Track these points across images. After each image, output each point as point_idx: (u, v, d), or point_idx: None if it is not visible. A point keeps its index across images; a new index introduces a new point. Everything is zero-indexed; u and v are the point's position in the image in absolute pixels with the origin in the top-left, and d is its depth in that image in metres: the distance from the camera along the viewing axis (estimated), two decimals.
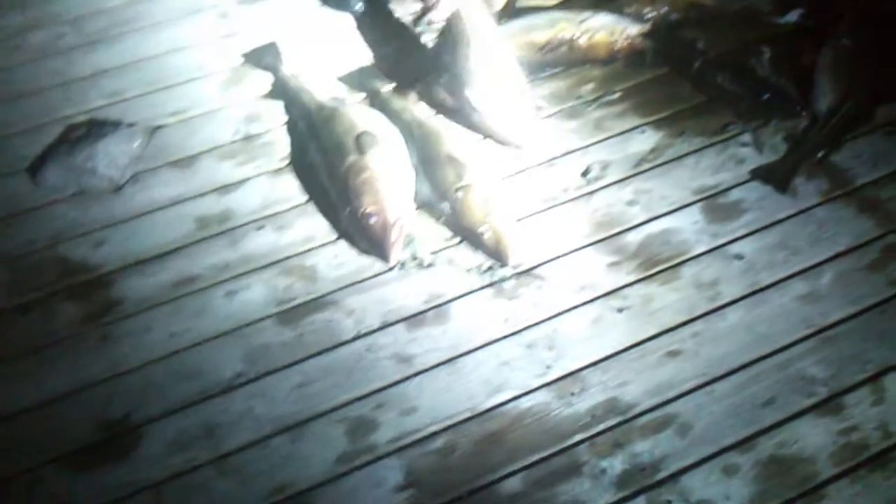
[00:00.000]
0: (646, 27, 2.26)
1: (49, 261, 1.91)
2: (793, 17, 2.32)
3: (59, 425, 1.66)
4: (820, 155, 2.00)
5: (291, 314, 1.79)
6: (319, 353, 1.73)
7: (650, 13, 2.28)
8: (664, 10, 2.28)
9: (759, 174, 1.99)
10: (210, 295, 1.84)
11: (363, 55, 2.32)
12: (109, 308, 1.82)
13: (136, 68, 2.35)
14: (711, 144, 2.06)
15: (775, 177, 1.97)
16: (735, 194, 1.96)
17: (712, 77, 2.17)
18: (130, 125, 2.15)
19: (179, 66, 2.35)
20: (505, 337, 1.75)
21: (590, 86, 2.22)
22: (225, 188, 2.04)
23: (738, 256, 1.85)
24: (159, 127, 2.18)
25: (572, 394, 1.66)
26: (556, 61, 2.25)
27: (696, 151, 2.05)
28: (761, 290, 1.79)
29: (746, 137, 2.07)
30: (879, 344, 1.70)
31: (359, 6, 2.42)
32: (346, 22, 2.42)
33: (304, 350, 1.74)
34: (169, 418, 1.65)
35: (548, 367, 1.70)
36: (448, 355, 1.72)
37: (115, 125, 2.14)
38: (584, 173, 2.01)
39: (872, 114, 2.09)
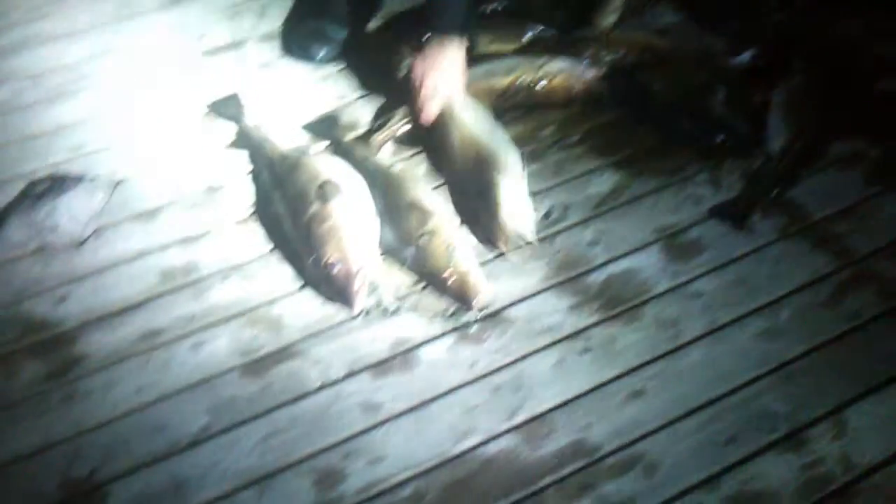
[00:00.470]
0: (602, 71, 2.29)
1: (11, 319, 1.90)
2: (745, 57, 2.36)
3: (21, 485, 1.63)
4: (775, 192, 2.04)
5: (257, 365, 1.79)
6: (286, 404, 1.73)
7: (606, 57, 2.32)
8: (620, 53, 2.32)
9: (716, 212, 2.02)
10: (175, 348, 1.84)
11: (326, 104, 2.34)
12: (73, 365, 1.81)
13: (97, 122, 2.35)
14: (669, 184, 2.10)
15: (733, 215, 2.01)
16: (694, 233, 2.00)
17: (668, 118, 2.21)
18: (92, 179, 2.15)
19: (141, 118, 2.35)
20: (471, 381, 1.75)
21: (549, 129, 2.25)
22: (189, 240, 2.04)
23: (698, 294, 1.88)
24: (122, 180, 2.18)
25: (538, 437, 1.66)
26: (517, 106, 2.28)
27: (654, 192, 2.09)
28: (721, 327, 1.82)
29: (703, 177, 2.11)
30: (838, 378, 1.73)
31: (321, 56, 2.44)
32: (309, 72, 2.45)
33: (271, 401, 1.73)
34: (134, 475, 1.63)
35: (514, 410, 1.70)
36: (415, 402, 1.73)
37: (77, 179, 2.13)
38: (546, 215, 2.03)
39: (825, 150, 2.13)
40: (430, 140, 2.17)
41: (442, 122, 2.14)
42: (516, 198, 1.99)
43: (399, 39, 2.37)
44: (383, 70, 2.34)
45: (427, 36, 2.14)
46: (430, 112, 2.14)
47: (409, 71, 2.18)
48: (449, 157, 2.11)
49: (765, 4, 2.53)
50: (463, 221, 2.02)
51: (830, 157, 2.14)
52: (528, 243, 1.95)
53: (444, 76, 2.14)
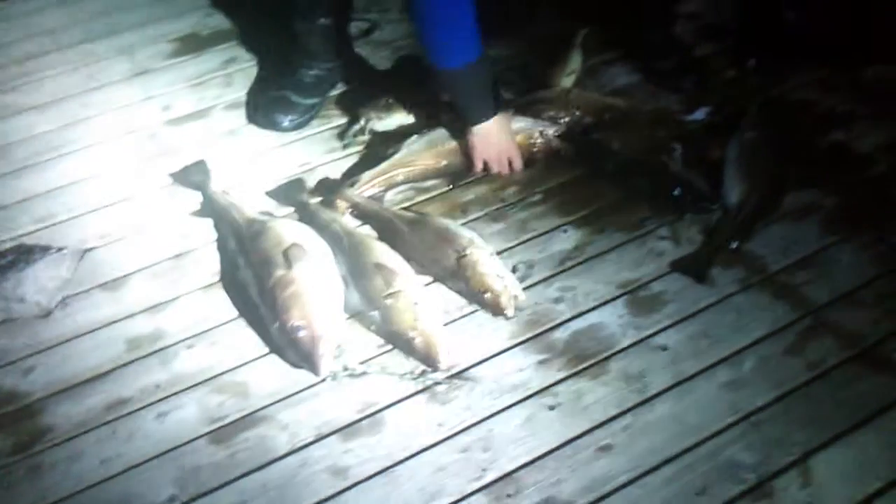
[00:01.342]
0: (562, 131, 2.35)
1: None
2: (700, 114, 2.43)
3: None
4: (734, 245, 2.07)
5: (224, 432, 1.78)
6: (253, 471, 1.71)
7: (566, 117, 2.37)
8: (578, 113, 2.37)
9: (678, 266, 2.05)
10: (142, 417, 1.82)
11: (291, 170, 2.37)
12: (39, 437, 1.79)
13: (65, 192, 2.37)
14: (631, 240, 2.13)
15: (693, 268, 2.04)
16: (657, 287, 2.03)
17: (627, 175, 2.25)
18: (59, 249, 2.15)
19: (109, 188, 2.37)
20: (440, 442, 1.75)
21: (512, 189, 2.29)
22: (155, 308, 2.04)
23: (663, 347, 1.90)
24: (89, 249, 2.19)
25: (508, 496, 1.66)
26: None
27: (617, 247, 2.12)
28: (687, 379, 1.83)
29: (664, 231, 2.14)
30: (803, 426, 1.74)
31: (286, 124, 2.47)
32: (273, 139, 2.48)
33: (238, 469, 1.72)
34: None
35: (483, 470, 1.70)
36: (383, 465, 1.72)
37: (44, 250, 2.14)
38: (512, 272, 2.05)
39: (780, 202, 2.18)
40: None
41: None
42: (495, 262, 2.02)
43: None
44: None
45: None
46: (516, 170, 2.29)
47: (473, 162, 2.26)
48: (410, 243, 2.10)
49: (717, 63, 2.61)
50: (434, 279, 2.04)
51: (787, 208, 2.18)
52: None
53: (503, 154, 2.25)
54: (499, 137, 2.22)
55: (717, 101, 2.48)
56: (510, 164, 2.27)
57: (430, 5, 1.98)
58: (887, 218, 2.16)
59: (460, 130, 2.26)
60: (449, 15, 1.99)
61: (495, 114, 2.18)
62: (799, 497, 1.64)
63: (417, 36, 2.11)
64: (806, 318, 1.94)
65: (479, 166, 2.27)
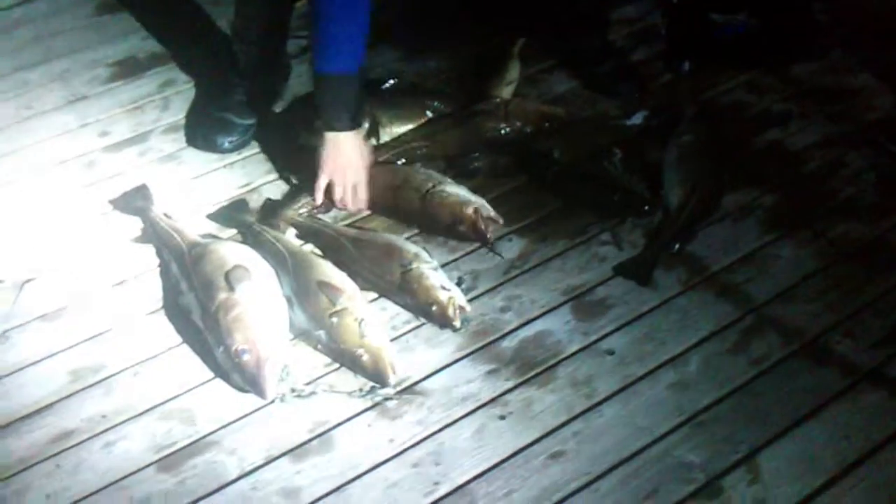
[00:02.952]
0: (502, 141, 2.36)
1: None
2: (638, 119, 2.46)
3: None
4: (676, 247, 2.10)
5: (172, 459, 1.76)
6: (203, 497, 1.69)
7: (506, 128, 2.38)
8: (518, 123, 2.39)
9: (621, 270, 2.08)
10: (87, 449, 1.79)
11: (232, 191, 2.35)
12: None
13: (2, 224, 2.32)
14: (574, 246, 2.15)
15: (636, 271, 2.06)
16: (601, 292, 2.04)
17: (568, 182, 2.27)
18: None
19: (47, 217, 2.32)
20: (391, 458, 1.75)
21: None
22: (98, 337, 2.00)
23: (610, 352, 1.91)
24: (28, 281, 2.15)
25: None
26: None
27: (560, 254, 2.13)
28: (634, 382, 1.86)
29: (606, 236, 2.16)
30: (749, 423, 1.77)
31: (226, 145, 2.45)
32: (213, 161, 2.45)
33: (188, 496, 1.70)
34: None
35: (436, 483, 1.70)
36: (336, 484, 1.71)
37: None
38: (457, 284, 2.06)
39: (719, 203, 2.21)
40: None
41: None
42: (440, 275, 2.02)
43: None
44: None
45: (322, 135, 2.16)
46: (358, 206, 2.22)
47: (317, 174, 2.19)
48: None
49: (652, 67, 2.64)
50: (380, 295, 2.04)
51: (726, 208, 2.22)
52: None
53: (349, 173, 2.17)
54: (350, 155, 2.16)
55: (654, 105, 2.51)
56: (355, 193, 2.20)
57: (329, 12, 1.99)
58: (824, 214, 2.21)
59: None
60: (343, 26, 2.00)
61: (354, 129, 2.15)
62: (748, 494, 1.66)
63: (310, 34, 2.12)
64: (748, 315, 1.98)
65: (321, 184, 2.18)
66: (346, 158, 2.16)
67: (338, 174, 2.17)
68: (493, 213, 2.13)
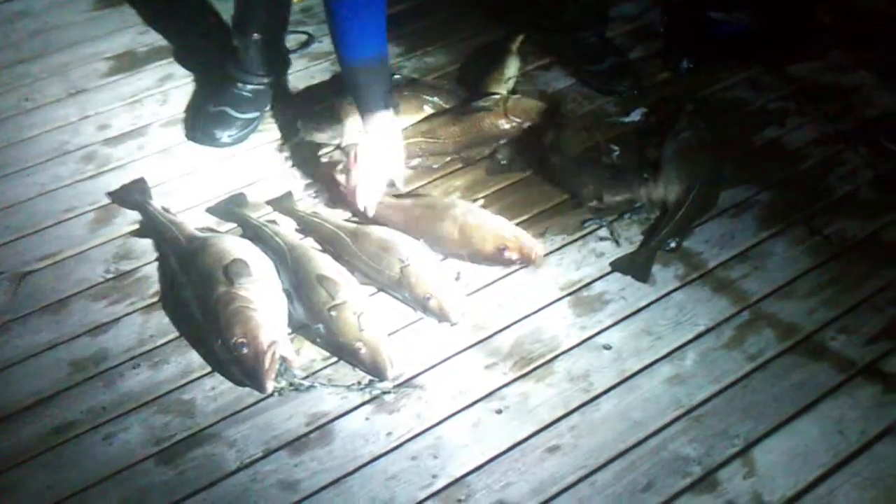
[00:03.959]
0: (502, 137, 2.37)
1: None
2: (636, 116, 2.47)
3: None
4: (673, 244, 2.11)
5: (171, 452, 1.77)
6: (202, 489, 1.71)
7: (505, 124, 2.39)
8: (517, 120, 2.39)
9: (618, 266, 2.09)
10: (87, 441, 1.80)
11: (231, 185, 2.36)
12: None
13: (2, 215, 2.33)
14: (572, 241, 2.16)
15: (634, 267, 2.07)
16: (598, 287, 2.05)
17: (566, 178, 2.28)
18: None
19: (47, 209, 2.33)
20: (390, 451, 1.76)
21: (455, 194, 2.30)
22: (98, 328, 2.01)
23: (607, 347, 1.93)
24: (29, 273, 2.16)
25: (459, 501, 1.67)
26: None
27: (558, 249, 2.14)
28: (630, 377, 1.87)
29: (604, 232, 2.17)
30: (744, 418, 1.79)
31: (225, 139, 2.46)
32: (212, 154, 2.46)
33: (187, 488, 1.71)
34: None
35: (434, 476, 1.71)
36: (334, 476, 1.72)
37: None
38: (455, 279, 2.06)
39: (716, 200, 2.22)
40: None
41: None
42: (438, 270, 2.03)
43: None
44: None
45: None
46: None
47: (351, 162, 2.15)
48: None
49: (650, 65, 2.65)
50: (378, 289, 2.05)
51: (723, 205, 2.23)
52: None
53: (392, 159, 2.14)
54: (391, 141, 2.11)
55: (652, 102, 2.52)
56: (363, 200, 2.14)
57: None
58: (820, 211, 2.22)
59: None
60: (366, 7, 1.95)
61: (391, 109, 2.09)
62: (743, 487, 1.68)
63: (331, 29, 2.03)
64: (744, 311, 1.99)
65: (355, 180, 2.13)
66: (387, 144, 2.11)
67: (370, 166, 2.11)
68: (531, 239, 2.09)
